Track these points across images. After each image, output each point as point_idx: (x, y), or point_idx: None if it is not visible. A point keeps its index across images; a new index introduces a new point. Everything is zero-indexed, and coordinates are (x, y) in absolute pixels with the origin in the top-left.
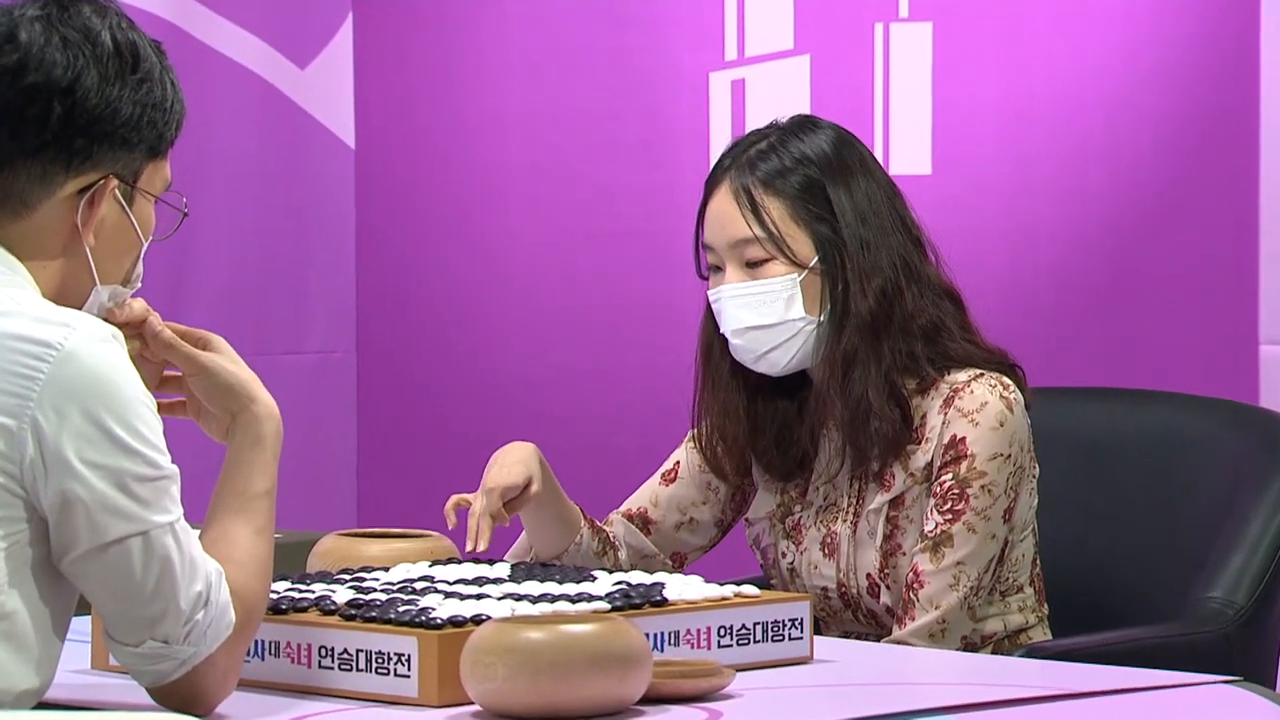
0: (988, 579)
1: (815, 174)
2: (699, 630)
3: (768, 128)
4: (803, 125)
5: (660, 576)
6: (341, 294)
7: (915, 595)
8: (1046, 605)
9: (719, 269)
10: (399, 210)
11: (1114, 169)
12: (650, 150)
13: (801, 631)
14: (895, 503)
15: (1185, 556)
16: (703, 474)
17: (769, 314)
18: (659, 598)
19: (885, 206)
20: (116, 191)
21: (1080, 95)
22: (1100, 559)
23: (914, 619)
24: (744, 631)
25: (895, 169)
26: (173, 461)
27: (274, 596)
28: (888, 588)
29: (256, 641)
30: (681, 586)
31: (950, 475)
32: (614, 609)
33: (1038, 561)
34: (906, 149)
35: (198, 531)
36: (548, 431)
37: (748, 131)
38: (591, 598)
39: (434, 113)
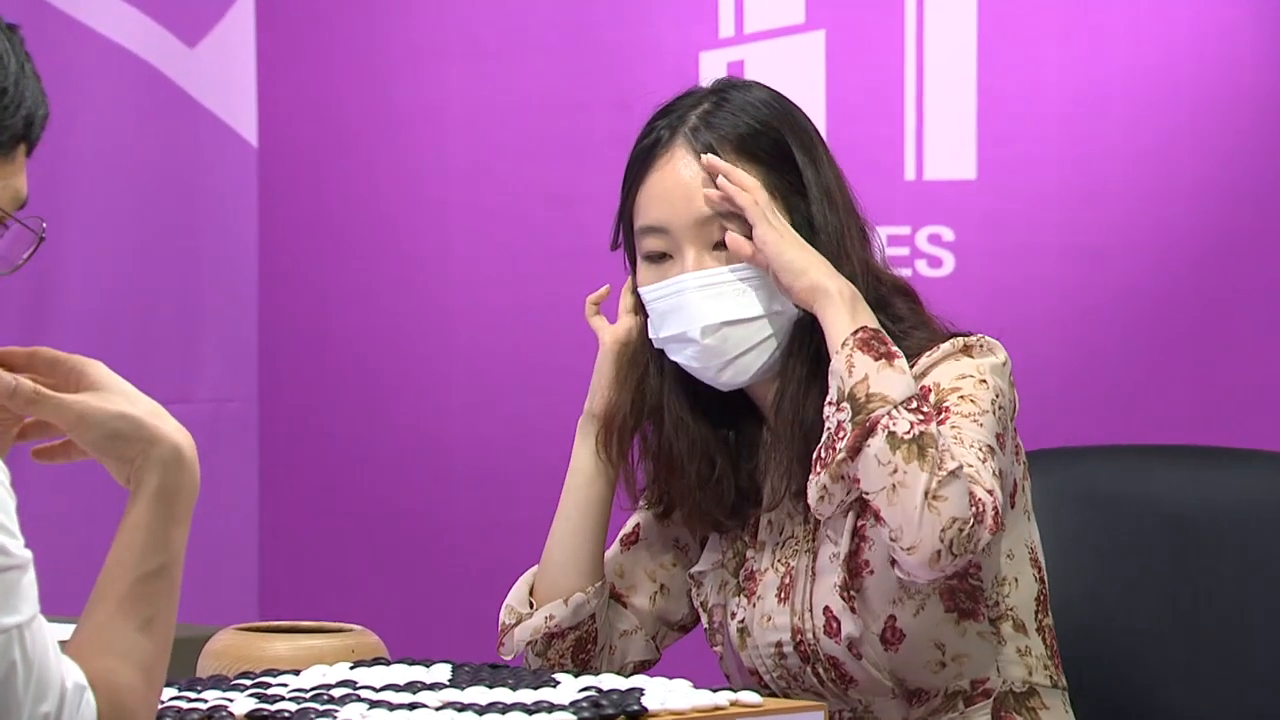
0: (1020, 493)
1: (781, 138)
2: None
3: (696, 89)
4: (734, 85)
5: (638, 681)
6: (241, 329)
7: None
8: (1065, 678)
9: (665, 256)
10: (312, 225)
11: (1203, 173)
12: (626, 149)
13: None
14: (862, 508)
15: None
16: (666, 529)
17: (749, 305)
18: (636, 707)
19: (844, 188)
20: None
21: (1162, 80)
22: (1189, 663)
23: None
24: None
25: (931, 173)
26: (26, 545)
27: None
28: (853, 610)
29: None
30: (664, 693)
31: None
32: None
33: (1049, 610)
34: (945, 148)
35: (69, 625)
36: (493, 499)
37: (673, 98)
38: (553, 707)
39: (355, 104)
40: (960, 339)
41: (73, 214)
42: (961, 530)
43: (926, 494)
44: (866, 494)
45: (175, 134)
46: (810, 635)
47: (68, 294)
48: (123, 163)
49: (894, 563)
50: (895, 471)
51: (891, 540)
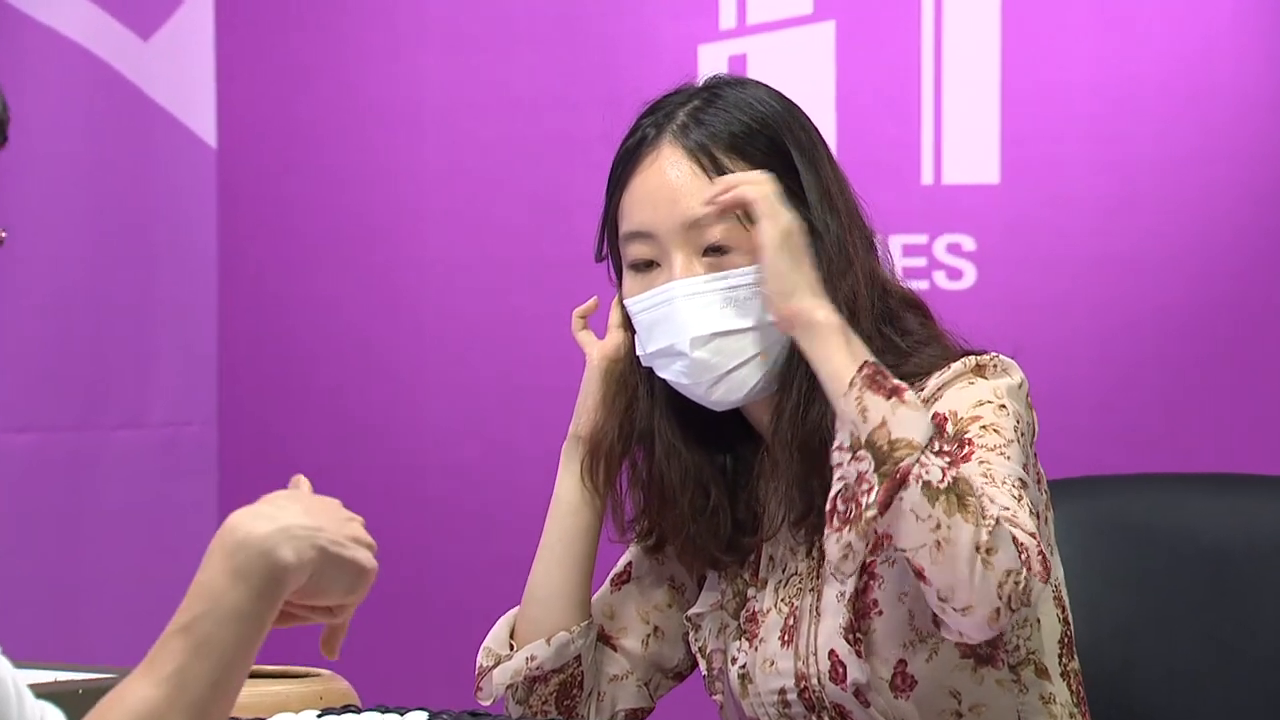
0: (1044, 524)
1: (778, 138)
2: None
3: (687, 85)
4: (727, 82)
5: None
6: (198, 346)
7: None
8: None
9: (652, 264)
10: (276, 233)
11: (1242, 178)
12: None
13: None
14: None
15: None
16: (660, 566)
17: (744, 315)
18: None
19: (847, 193)
20: None
21: (1198, 78)
22: (1231, 707)
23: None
24: None
25: (950, 177)
26: None
27: None
28: (859, 655)
29: None
30: None
31: (938, 445)
32: None
33: (1075, 654)
34: (965, 150)
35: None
36: (474, 532)
37: (661, 95)
38: None
39: (323, 100)
40: (972, 358)
41: (16, 220)
42: (1018, 584)
43: (977, 549)
44: (903, 550)
45: (128, 134)
46: (815, 681)
47: (10, 306)
48: (71, 165)
49: (936, 622)
50: (938, 527)
51: (941, 600)
